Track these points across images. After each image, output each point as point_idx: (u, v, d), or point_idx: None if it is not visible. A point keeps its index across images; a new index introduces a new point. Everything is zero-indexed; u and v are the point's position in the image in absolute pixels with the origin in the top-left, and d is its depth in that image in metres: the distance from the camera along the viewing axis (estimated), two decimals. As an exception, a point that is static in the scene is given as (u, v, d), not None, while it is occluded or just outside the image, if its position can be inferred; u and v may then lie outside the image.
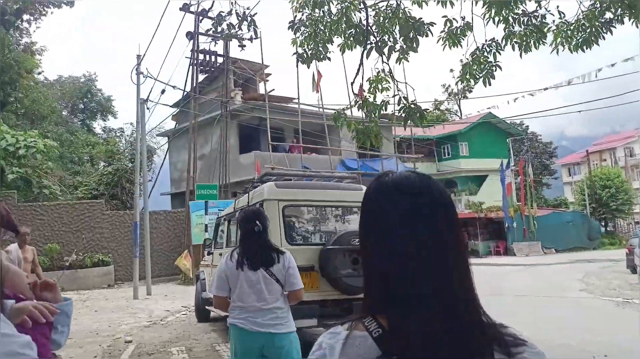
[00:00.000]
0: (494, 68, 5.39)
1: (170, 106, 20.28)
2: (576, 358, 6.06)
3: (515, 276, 16.44)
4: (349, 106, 6.51)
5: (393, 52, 5.49)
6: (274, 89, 20.40)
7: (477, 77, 5.27)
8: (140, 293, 12.63)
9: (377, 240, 0.90)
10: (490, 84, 5.30)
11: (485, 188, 31.19)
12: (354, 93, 5.69)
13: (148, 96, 14.32)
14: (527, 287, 12.95)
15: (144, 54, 14.10)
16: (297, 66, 6.19)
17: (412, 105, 5.46)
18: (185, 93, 19.80)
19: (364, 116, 5.97)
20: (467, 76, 5.39)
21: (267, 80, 21.51)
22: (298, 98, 20.04)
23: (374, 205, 0.93)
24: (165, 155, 22.92)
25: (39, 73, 27.36)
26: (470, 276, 0.89)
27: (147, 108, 14.11)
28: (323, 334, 0.93)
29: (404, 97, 5.45)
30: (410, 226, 0.86)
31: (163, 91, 15.78)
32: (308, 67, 5.93)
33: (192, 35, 18.81)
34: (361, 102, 5.53)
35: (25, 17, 25.14)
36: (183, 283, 15.08)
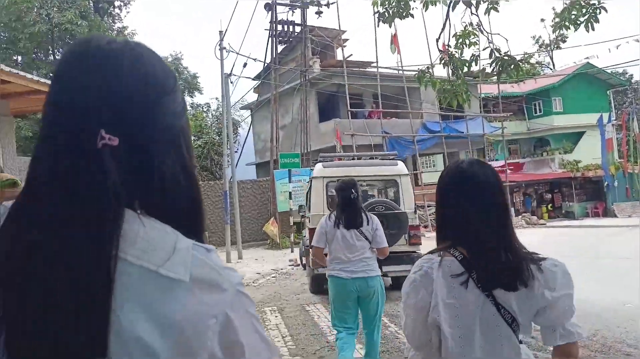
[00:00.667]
0: (598, 10, 4.88)
1: (252, 79, 20.83)
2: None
3: (616, 239, 15.29)
4: (433, 64, 6.28)
5: (481, 2, 5.16)
6: (351, 55, 20.22)
7: (578, 22, 4.81)
8: (232, 257, 13.44)
9: (454, 204, 1.51)
10: (593, 29, 4.81)
11: (582, 146, 28.90)
12: (439, 50, 5.47)
13: (231, 70, 14.81)
14: (631, 250, 11.99)
15: (226, 29, 14.53)
16: (375, 29, 6.11)
17: (506, 57, 5.13)
18: (265, 65, 20.20)
19: (449, 74, 5.74)
20: (566, 22, 4.93)
21: (345, 46, 21.28)
22: (376, 62, 19.70)
23: (449, 185, 1.55)
24: (249, 127, 23.71)
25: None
26: (511, 224, 1.49)
27: (231, 82, 14.63)
28: (419, 260, 1.54)
29: (495, 49, 5.13)
30: (471, 197, 1.47)
31: (245, 64, 16.26)
32: (390, 26, 5.78)
33: (270, 6, 18.98)
34: (447, 58, 5.29)
35: (117, 3, 26.75)
36: (271, 248, 15.79)
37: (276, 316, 7.13)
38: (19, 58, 22.94)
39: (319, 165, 8.10)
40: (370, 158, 9.09)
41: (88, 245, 0.61)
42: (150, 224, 0.67)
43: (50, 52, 23.46)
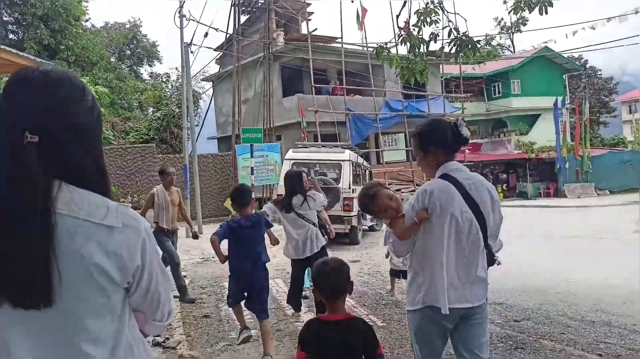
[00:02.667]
0: (549, -5, 4.97)
1: (214, 49, 20.28)
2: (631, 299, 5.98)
3: (566, 218, 16.04)
4: (392, 41, 6.27)
5: (443, -20, 5.16)
6: (316, 29, 19.91)
7: (532, 5, 4.88)
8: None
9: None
10: (546, 12, 4.90)
11: (537, 128, 29.90)
12: (399, 28, 5.46)
13: (192, 40, 14.36)
14: (578, 229, 12.63)
15: (186, -4, 13.97)
16: (340, 3, 6.03)
17: (464, 37, 5.18)
18: (227, 35, 19.68)
19: (408, 51, 5.76)
20: (522, 4, 5.00)
21: (310, 19, 20.95)
22: (341, 38, 19.55)
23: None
24: (211, 100, 23.19)
25: (87, 20, 27.81)
26: None
27: (191, 52, 14.19)
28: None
29: (454, 29, 5.17)
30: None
31: (206, 34, 15.73)
32: (352, 1, 5.71)
33: (232, -25, 18.38)
34: (406, 36, 5.30)
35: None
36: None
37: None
38: (-38, 18, 21.47)
39: (290, 150, 12.03)
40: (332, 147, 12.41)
41: (25, 202, 0.99)
42: (85, 192, 1.08)
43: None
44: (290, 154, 11.85)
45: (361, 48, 20.25)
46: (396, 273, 6.36)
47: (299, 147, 12.46)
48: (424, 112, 21.24)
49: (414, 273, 2.41)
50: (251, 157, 14.25)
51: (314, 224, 5.06)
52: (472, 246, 2.34)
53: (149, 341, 4.63)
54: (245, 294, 4.29)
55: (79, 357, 1.05)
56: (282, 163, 12.55)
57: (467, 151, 23.77)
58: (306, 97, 19.13)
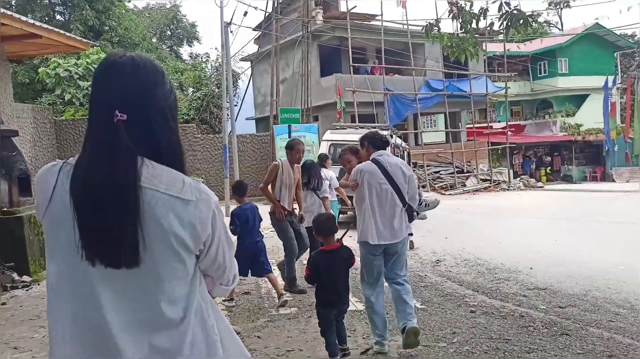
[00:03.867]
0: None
1: (253, 29, 20.30)
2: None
3: (613, 203, 15.40)
4: (437, 19, 6.08)
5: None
6: (355, 6, 19.54)
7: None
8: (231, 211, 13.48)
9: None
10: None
11: (585, 109, 28.63)
12: (448, 3, 5.26)
13: (231, 19, 14.38)
14: (627, 214, 12.10)
15: (225, -24, 13.96)
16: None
17: (515, 11, 4.95)
18: (266, 15, 19.63)
19: (458, 28, 5.57)
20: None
21: (349, -2, 20.58)
22: (381, 15, 19.14)
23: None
24: (249, 80, 23.31)
25: (129, 1, 28.29)
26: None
27: (231, 32, 14.25)
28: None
29: (505, 3, 4.94)
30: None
31: (245, 13, 15.73)
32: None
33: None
34: (456, 11, 5.11)
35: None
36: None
37: (274, 269, 7.23)
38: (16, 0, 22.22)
39: (327, 131, 12.15)
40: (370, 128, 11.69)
41: (120, 175, 1.13)
42: (165, 169, 1.20)
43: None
44: (327, 135, 11.88)
45: (401, 26, 19.81)
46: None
47: (337, 128, 12.35)
48: (466, 91, 20.67)
49: (358, 221, 4.05)
50: (289, 137, 14.31)
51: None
52: (389, 206, 3.88)
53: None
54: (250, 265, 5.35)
55: (156, 314, 1.18)
56: (320, 144, 12.54)
57: (509, 133, 23.07)
58: (344, 76, 18.95)
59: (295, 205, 6.21)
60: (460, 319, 4.77)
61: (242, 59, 24.83)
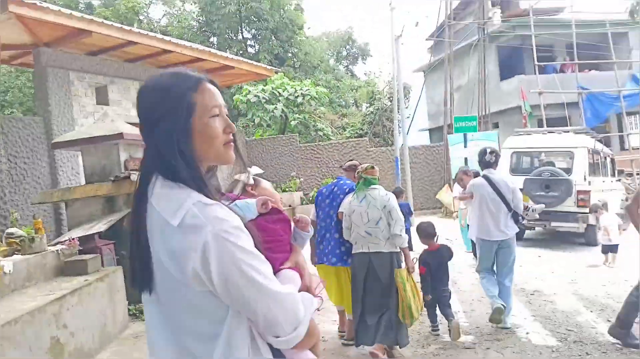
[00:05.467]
0: None
1: (426, 39, 19.89)
2: None
3: None
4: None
5: None
6: (539, 0, 17.66)
7: None
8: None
9: None
10: None
11: None
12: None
13: (402, 32, 14.23)
14: None
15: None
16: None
17: None
18: (438, 24, 19.02)
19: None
20: None
21: (531, -9, 18.74)
22: (571, 6, 16.94)
23: None
24: (421, 91, 22.84)
25: (308, 28, 30.45)
26: None
27: (402, 44, 14.08)
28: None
29: None
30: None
31: (417, 23, 15.42)
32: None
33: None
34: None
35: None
36: (445, 216, 15.12)
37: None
38: (215, 39, 25.71)
39: (509, 137, 10.97)
40: (561, 132, 10.64)
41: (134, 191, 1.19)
42: (170, 186, 1.13)
43: (240, 31, 25.76)
44: (509, 142, 10.68)
45: (596, 16, 17.21)
46: (607, 248, 7.63)
47: (520, 134, 10.95)
48: (687, 84, 16.89)
49: (473, 223, 5.34)
50: (464, 147, 13.46)
51: None
52: (497, 211, 4.96)
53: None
54: None
55: (182, 348, 1.10)
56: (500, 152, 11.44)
57: None
58: (528, 78, 17.21)
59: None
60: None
61: (415, 70, 24.51)
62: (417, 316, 4.20)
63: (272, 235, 1.55)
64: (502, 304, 4.73)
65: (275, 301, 1.10)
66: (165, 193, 1.11)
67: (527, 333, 4.78)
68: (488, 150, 5.14)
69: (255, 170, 1.78)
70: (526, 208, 5.36)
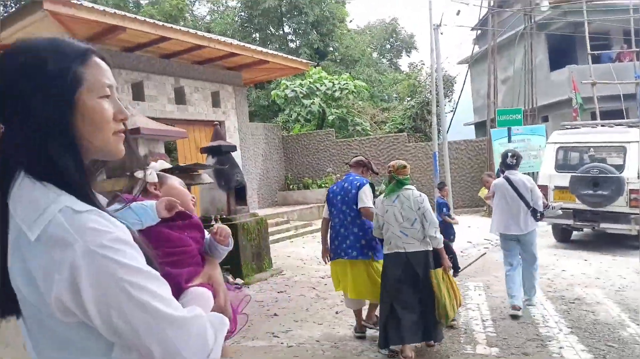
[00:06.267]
0: None
1: (472, 29, 19.09)
2: None
3: None
4: None
5: None
6: (593, -16, 16.50)
7: None
8: (444, 222, 12.67)
9: None
10: None
11: None
12: None
13: (440, 20, 13.65)
14: None
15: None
16: None
17: None
18: (482, 10, 18.19)
19: None
20: None
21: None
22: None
23: None
24: (464, 83, 21.99)
25: (350, 21, 30.02)
26: None
27: (441, 33, 13.51)
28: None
29: None
30: None
31: (458, 12, 14.78)
32: None
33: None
34: None
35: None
36: (487, 215, 14.44)
37: (479, 295, 6.28)
38: (257, 35, 25.80)
39: (554, 132, 10.22)
40: (613, 125, 9.81)
41: None
42: (32, 185, 0.87)
43: (280, 25, 25.73)
44: (555, 136, 9.93)
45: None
46: None
47: (567, 128, 10.19)
48: None
49: (494, 217, 5.71)
50: (509, 142, 12.78)
51: None
52: (516, 208, 5.40)
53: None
54: None
55: None
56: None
57: None
58: (580, 67, 16.16)
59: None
60: None
61: (459, 62, 23.64)
62: (453, 316, 4.30)
63: (178, 244, 1.31)
64: (519, 309, 5.25)
65: (177, 327, 0.87)
66: (25, 195, 0.86)
67: (561, 348, 4.34)
68: (509, 154, 5.62)
69: (160, 164, 1.55)
70: (546, 206, 5.68)
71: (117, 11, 9.30)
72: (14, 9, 15.62)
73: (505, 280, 5.54)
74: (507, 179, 5.51)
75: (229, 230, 1.38)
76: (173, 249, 1.27)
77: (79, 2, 8.15)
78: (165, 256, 1.24)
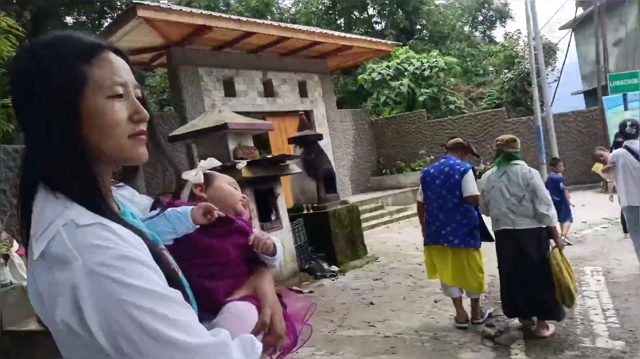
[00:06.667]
0: None
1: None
2: None
3: None
4: None
5: None
6: None
7: None
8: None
9: None
10: None
11: None
12: None
13: (539, -18, 12.41)
14: None
15: None
16: None
17: None
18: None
19: None
20: None
21: None
22: None
23: None
24: (567, 49, 19.99)
25: (438, -5, 28.70)
26: None
27: (540, -3, 12.30)
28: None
29: None
30: None
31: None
32: None
33: None
34: None
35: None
36: (603, 192, 13.05)
37: (598, 281, 5.63)
38: (341, 20, 25.62)
39: None
40: None
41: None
42: (45, 197, 0.81)
43: (364, 8, 25.30)
44: None
45: None
46: None
47: None
48: None
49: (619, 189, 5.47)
50: (625, 110, 11.40)
51: None
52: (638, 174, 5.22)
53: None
54: None
55: None
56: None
57: None
58: None
59: None
60: None
61: (562, 27, 21.56)
62: (576, 296, 4.03)
63: (216, 255, 1.16)
64: None
65: (192, 356, 0.77)
66: (38, 206, 0.81)
67: None
68: (629, 123, 5.34)
69: (209, 163, 1.41)
70: None
71: (203, 11, 9.66)
72: (115, 18, 16.88)
73: (637, 253, 5.31)
74: (628, 149, 5.31)
75: (268, 239, 1.19)
76: (211, 259, 1.14)
77: (168, 6, 8.58)
78: (203, 267, 1.13)
